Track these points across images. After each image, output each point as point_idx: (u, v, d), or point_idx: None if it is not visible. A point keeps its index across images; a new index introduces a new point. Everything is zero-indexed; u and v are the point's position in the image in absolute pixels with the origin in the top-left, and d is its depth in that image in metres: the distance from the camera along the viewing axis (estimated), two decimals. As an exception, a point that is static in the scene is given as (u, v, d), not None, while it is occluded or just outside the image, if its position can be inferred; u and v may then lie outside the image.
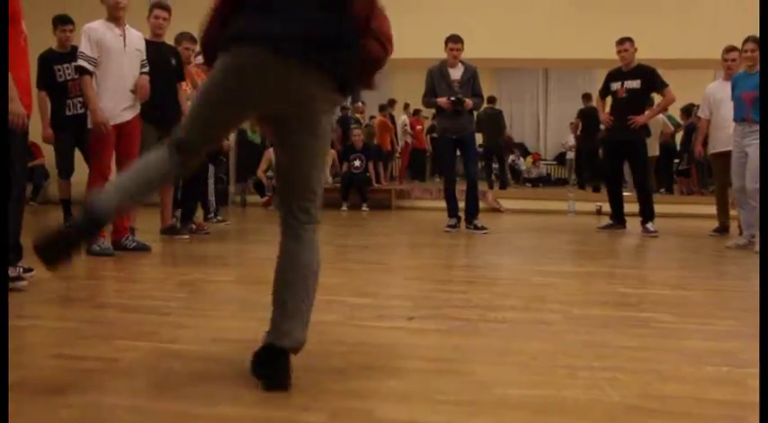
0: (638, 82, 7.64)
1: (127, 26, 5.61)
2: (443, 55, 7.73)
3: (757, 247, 6.04)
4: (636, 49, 7.70)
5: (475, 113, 7.92)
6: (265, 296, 3.79)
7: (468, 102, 7.38)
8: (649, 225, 7.67)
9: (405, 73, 19.35)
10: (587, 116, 11.77)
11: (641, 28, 9.84)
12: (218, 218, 8.11)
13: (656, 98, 8.17)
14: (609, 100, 7.97)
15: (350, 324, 3.33)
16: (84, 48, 5.38)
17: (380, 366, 2.69)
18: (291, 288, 2.50)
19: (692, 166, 12.63)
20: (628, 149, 7.76)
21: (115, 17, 5.48)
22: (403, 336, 3.14)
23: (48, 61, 6.50)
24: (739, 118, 6.51)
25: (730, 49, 7.41)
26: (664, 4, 10.14)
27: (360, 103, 15.00)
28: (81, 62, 5.39)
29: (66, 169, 6.73)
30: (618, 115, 7.70)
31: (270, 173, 10.59)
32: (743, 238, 6.59)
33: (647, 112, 7.89)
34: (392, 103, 14.83)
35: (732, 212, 7.54)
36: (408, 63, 11.41)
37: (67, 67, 6.46)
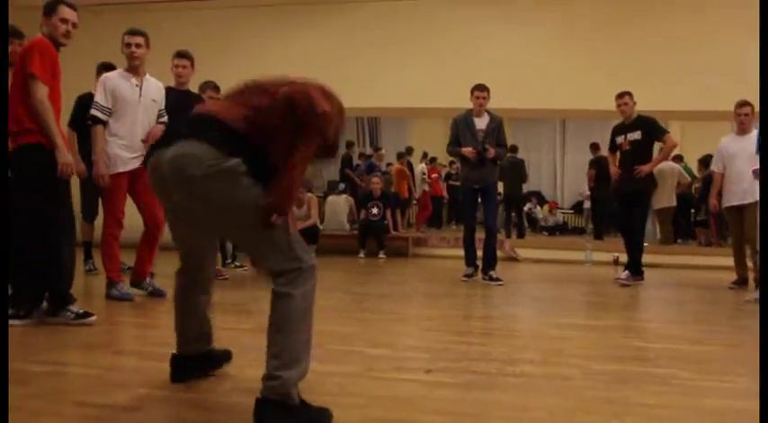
0: (639, 133, 7.73)
1: (146, 76, 5.73)
2: (462, 105, 7.82)
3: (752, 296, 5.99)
4: (635, 103, 7.81)
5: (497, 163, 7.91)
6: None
7: (491, 150, 7.38)
8: (625, 274, 7.76)
9: (423, 121, 19.54)
10: (600, 166, 11.82)
11: (657, 80, 9.96)
12: (237, 264, 8.18)
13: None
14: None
15: (367, 376, 3.34)
16: (98, 97, 5.51)
17: (398, 420, 2.69)
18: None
19: (710, 217, 12.60)
20: (634, 199, 7.78)
21: (132, 67, 5.62)
22: (421, 389, 3.14)
23: (85, 104, 6.55)
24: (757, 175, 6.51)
25: (743, 103, 7.49)
26: (679, 56, 10.20)
27: (382, 151, 15.16)
28: (93, 111, 5.51)
29: (90, 213, 6.86)
30: (624, 167, 7.79)
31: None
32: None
33: (651, 162, 7.88)
34: (410, 150, 14.98)
35: (750, 264, 7.52)
36: (427, 112, 11.58)
37: None
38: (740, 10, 9.81)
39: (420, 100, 11.00)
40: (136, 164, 5.59)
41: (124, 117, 5.54)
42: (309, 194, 10.75)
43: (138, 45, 5.60)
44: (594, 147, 12.38)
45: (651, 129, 7.75)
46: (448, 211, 17.01)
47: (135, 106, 5.59)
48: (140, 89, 5.63)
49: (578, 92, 10.37)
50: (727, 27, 10.06)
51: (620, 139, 7.88)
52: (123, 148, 5.54)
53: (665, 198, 11.89)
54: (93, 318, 4.50)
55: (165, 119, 5.82)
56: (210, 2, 11.39)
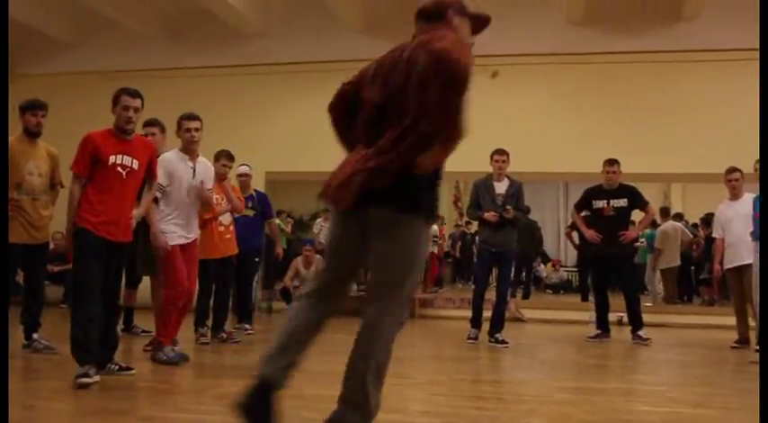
0: (625, 200, 8.14)
1: (199, 157, 6.03)
2: (466, 168, 7.97)
3: None
4: (621, 173, 8.22)
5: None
6: (303, 411, 3.98)
7: (510, 210, 7.50)
8: (642, 332, 8.00)
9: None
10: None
11: (659, 144, 10.23)
12: (247, 327, 8.22)
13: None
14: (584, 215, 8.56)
15: (383, 442, 3.46)
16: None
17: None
18: None
19: (712, 276, 12.73)
20: (618, 263, 8.15)
21: (189, 150, 5.95)
22: (434, 455, 3.28)
23: None
24: (758, 237, 6.68)
25: (732, 170, 7.81)
26: (681, 121, 10.48)
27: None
28: None
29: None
30: (607, 232, 8.09)
31: (296, 282, 10.81)
32: (764, 353, 6.67)
33: (633, 229, 8.41)
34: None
35: (753, 323, 7.64)
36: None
37: None
38: (739, 78, 10.14)
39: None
40: (187, 241, 5.86)
41: (179, 196, 5.82)
42: (318, 256, 10.94)
43: (196, 129, 5.96)
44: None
45: (636, 198, 8.22)
46: (452, 270, 17.17)
47: (189, 187, 5.87)
48: (194, 171, 5.92)
49: (581, 156, 10.60)
50: (726, 94, 10.35)
51: (601, 204, 8.20)
52: (177, 226, 5.80)
53: (670, 257, 12.08)
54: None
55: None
56: (223, 68, 11.74)
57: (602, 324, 8.26)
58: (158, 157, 6.13)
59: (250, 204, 8.03)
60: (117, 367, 5.09)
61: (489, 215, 7.54)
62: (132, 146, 5.06)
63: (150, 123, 6.51)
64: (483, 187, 7.74)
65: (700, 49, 10.52)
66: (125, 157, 4.97)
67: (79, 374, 4.61)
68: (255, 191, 8.37)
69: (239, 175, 8.12)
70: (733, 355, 7.27)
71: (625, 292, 8.27)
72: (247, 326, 8.12)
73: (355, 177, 2.91)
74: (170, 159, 5.85)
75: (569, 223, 12.78)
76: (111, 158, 4.91)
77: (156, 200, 5.69)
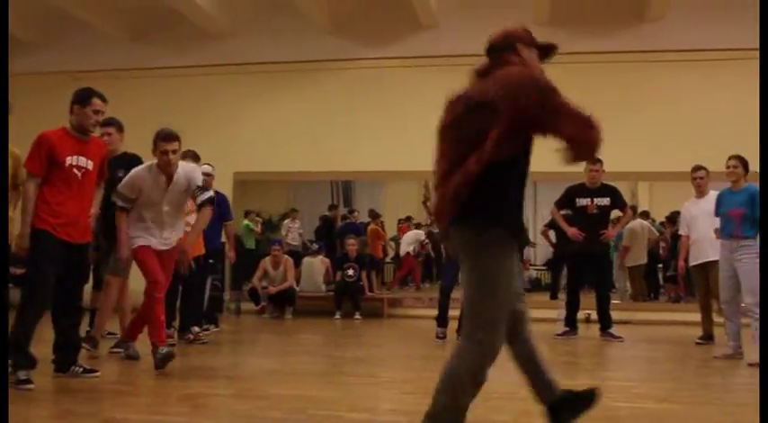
0: (608, 200, 8.26)
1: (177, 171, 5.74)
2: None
3: (750, 359, 6.16)
4: (604, 171, 8.29)
5: None
6: (267, 411, 3.97)
7: None
8: (613, 330, 8.16)
9: (396, 184, 19.80)
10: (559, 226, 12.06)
11: (627, 143, 10.30)
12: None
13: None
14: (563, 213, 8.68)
15: (349, 441, 3.47)
16: (123, 188, 5.65)
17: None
18: None
19: (677, 273, 12.88)
20: (597, 261, 8.28)
21: (164, 171, 5.65)
22: (400, 453, 3.28)
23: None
24: (727, 234, 6.71)
25: (698, 168, 7.90)
26: (648, 121, 10.57)
27: (357, 213, 15.39)
28: (115, 198, 5.70)
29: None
30: (589, 230, 8.18)
31: (264, 282, 10.77)
32: (729, 349, 6.75)
33: (612, 228, 8.52)
34: (376, 215, 15.21)
35: (719, 320, 7.71)
36: (401, 175, 11.88)
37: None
38: (703, 77, 10.28)
39: (393, 164, 11.27)
40: (163, 248, 5.75)
41: (151, 208, 5.68)
42: (286, 257, 10.91)
43: (173, 151, 5.60)
44: None
45: (618, 197, 8.36)
46: (422, 270, 17.19)
47: (161, 201, 5.66)
48: (168, 186, 5.65)
49: (549, 156, 10.63)
50: (693, 89, 10.49)
51: (584, 202, 8.27)
52: (150, 234, 5.70)
53: (637, 255, 12.23)
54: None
55: (206, 196, 5.91)
56: (191, 68, 11.66)
57: (571, 322, 8.36)
58: (113, 156, 6.09)
59: None
60: (81, 370, 5.05)
61: None
62: (88, 147, 5.02)
63: (107, 123, 6.34)
64: None
65: (664, 49, 10.63)
66: (80, 158, 4.92)
67: (21, 380, 4.56)
68: (216, 192, 8.25)
69: (202, 175, 7.97)
70: (698, 351, 7.35)
71: (598, 290, 8.38)
72: (210, 327, 8.05)
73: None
74: (141, 176, 5.58)
75: (547, 222, 12.89)
76: (68, 160, 4.86)
77: (126, 209, 5.62)
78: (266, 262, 10.80)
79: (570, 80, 10.90)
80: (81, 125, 4.96)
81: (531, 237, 20.51)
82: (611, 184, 8.47)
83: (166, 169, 5.58)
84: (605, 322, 8.21)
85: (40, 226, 4.78)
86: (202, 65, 11.65)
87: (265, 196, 13.97)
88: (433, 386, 5.23)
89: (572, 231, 8.33)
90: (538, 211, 20.01)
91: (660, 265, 13.34)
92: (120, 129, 6.54)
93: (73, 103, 4.98)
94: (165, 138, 5.50)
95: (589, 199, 8.25)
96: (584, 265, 8.36)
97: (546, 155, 10.24)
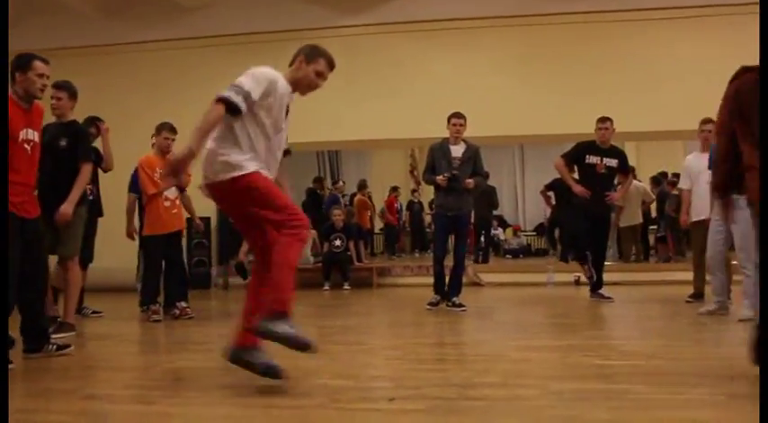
0: (616, 161, 8.05)
1: None
2: (421, 135, 7.91)
3: (742, 313, 6.10)
4: (614, 130, 8.06)
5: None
6: (250, 381, 3.90)
7: (470, 181, 7.36)
8: (604, 290, 8.06)
9: (382, 153, 19.72)
10: (559, 188, 12.01)
11: (613, 103, 10.19)
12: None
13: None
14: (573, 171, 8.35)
15: (331, 407, 3.39)
16: None
17: (362, 449, 2.76)
18: None
19: (667, 233, 12.89)
20: (601, 222, 8.12)
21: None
22: (383, 417, 3.22)
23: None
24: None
25: (707, 120, 7.56)
26: (633, 80, 10.45)
27: (341, 183, 15.33)
28: None
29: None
30: (596, 190, 7.93)
31: (251, 256, 10.65)
32: (713, 305, 6.72)
33: (619, 190, 8.51)
34: (363, 184, 15.16)
35: (708, 278, 7.66)
36: (386, 144, 11.76)
37: None
38: (690, 30, 10.17)
39: (379, 132, 11.16)
40: None
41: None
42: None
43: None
44: None
45: (625, 161, 8.20)
46: (411, 240, 17.19)
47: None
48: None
49: (535, 118, 10.59)
50: (679, 46, 10.37)
51: (594, 160, 8.01)
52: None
53: (631, 216, 12.21)
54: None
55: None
56: (167, 42, 11.46)
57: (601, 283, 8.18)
58: (58, 122, 6.06)
59: None
60: (54, 347, 4.94)
61: (439, 179, 7.39)
62: (32, 117, 4.80)
63: (59, 87, 6.08)
64: (439, 151, 7.57)
65: (648, 7, 10.50)
66: (29, 130, 4.71)
67: None
68: None
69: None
70: (687, 309, 7.30)
71: (596, 251, 8.18)
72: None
73: None
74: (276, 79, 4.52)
75: (547, 183, 12.79)
76: (21, 134, 4.63)
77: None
78: (253, 235, 10.68)
79: (557, 41, 10.85)
80: (27, 92, 4.69)
81: (518, 201, 20.59)
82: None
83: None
84: (597, 283, 8.10)
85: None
86: (178, 38, 11.44)
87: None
88: (421, 352, 5.20)
89: (578, 188, 8.02)
90: (526, 175, 20.03)
91: (656, 226, 13.34)
92: (72, 95, 6.18)
93: (13, 70, 4.70)
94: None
95: (599, 158, 8.01)
96: (594, 225, 8.08)
97: (532, 118, 10.13)
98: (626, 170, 8.31)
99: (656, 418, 3.11)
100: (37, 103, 4.88)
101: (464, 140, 7.60)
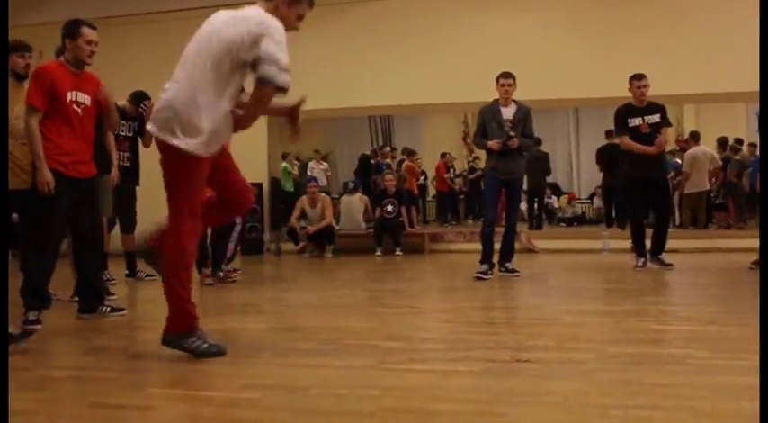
0: (658, 116, 7.70)
1: None
2: (473, 99, 7.71)
3: None
4: (649, 85, 7.75)
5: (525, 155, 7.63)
6: (299, 343, 3.88)
7: (515, 140, 7.06)
8: (664, 256, 7.75)
9: (435, 118, 19.51)
10: (608, 155, 11.75)
11: (669, 64, 9.89)
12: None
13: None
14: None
15: (381, 368, 3.34)
16: None
17: (413, 409, 2.70)
18: None
19: (728, 200, 12.55)
20: (656, 185, 7.75)
21: None
22: (435, 378, 3.15)
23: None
24: None
25: None
26: (690, 40, 10.13)
27: (388, 149, 15.23)
28: None
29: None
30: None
31: (303, 222, 10.69)
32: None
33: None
34: (412, 152, 15.01)
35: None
36: (438, 108, 11.62)
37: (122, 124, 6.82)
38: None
39: (430, 96, 11.01)
40: None
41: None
42: (323, 195, 10.80)
43: None
44: (610, 134, 12.12)
45: (665, 114, 7.79)
46: (465, 206, 17.04)
47: None
48: None
49: (590, 80, 10.34)
50: (738, 4, 9.97)
51: (637, 121, 7.71)
52: None
53: (699, 182, 11.93)
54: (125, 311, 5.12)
55: None
56: (211, 9, 11.40)
57: (642, 249, 7.84)
58: None
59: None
60: (108, 309, 5.03)
61: (493, 143, 7.13)
62: (83, 81, 4.85)
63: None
64: (489, 113, 7.30)
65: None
66: (78, 93, 4.77)
67: (30, 320, 4.47)
68: None
69: None
70: (749, 276, 7.07)
71: (659, 215, 7.97)
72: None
73: None
74: None
75: (596, 158, 12.54)
76: (68, 95, 4.70)
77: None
78: (303, 201, 10.68)
79: (619, 1, 10.46)
80: (76, 58, 4.78)
81: (572, 167, 20.16)
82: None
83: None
84: (658, 247, 7.76)
85: (52, 165, 4.61)
86: (234, 4, 11.38)
87: (303, 138, 13.77)
88: (473, 315, 5.12)
89: (646, 148, 7.59)
90: (581, 141, 19.61)
91: (714, 195, 12.98)
92: None
93: (63, 37, 4.80)
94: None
95: (640, 118, 7.69)
96: (646, 189, 7.75)
97: (586, 79, 9.83)
98: (667, 124, 7.90)
99: (716, 383, 2.99)
100: (89, 73, 4.94)
101: (515, 101, 7.32)
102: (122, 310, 5.11)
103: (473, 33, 10.74)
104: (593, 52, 10.43)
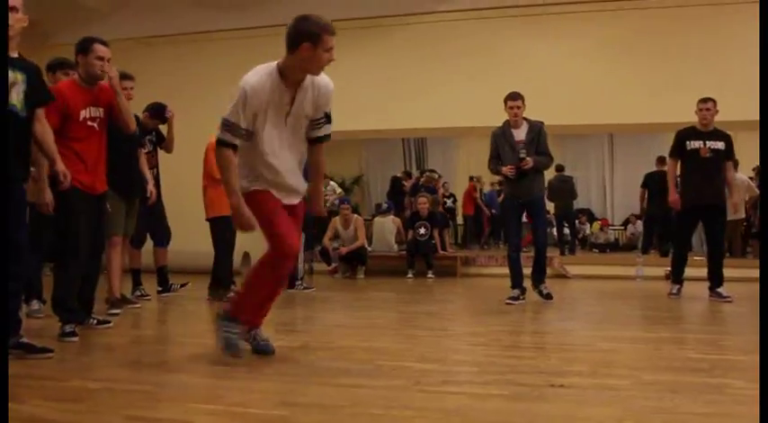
0: (723, 144, 7.41)
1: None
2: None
3: None
4: (717, 112, 7.51)
5: (545, 176, 7.50)
6: (333, 362, 3.89)
7: (528, 160, 6.84)
8: (722, 289, 7.39)
9: (469, 141, 19.50)
10: (653, 182, 11.64)
11: (705, 91, 9.79)
12: (304, 285, 8.48)
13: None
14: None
15: (415, 389, 3.33)
16: None
17: (446, 431, 2.69)
18: None
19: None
20: (712, 212, 7.47)
21: None
22: (468, 400, 3.14)
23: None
24: None
25: None
26: (727, 68, 10.05)
27: (436, 175, 15.14)
28: None
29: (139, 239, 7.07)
30: (702, 176, 7.40)
31: (335, 243, 10.72)
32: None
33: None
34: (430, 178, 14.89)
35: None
36: (473, 131, 11.60)
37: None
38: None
39: (466, 119, 11.00)
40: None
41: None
42: (356, 216, 10.83)
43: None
44: (661, 161, 11.85)
45: (731, 145, 7.52)
46: (491, 229, 16.98)
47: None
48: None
49: (624, 105, 10.28)
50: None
51: (696, 144, 7.43)
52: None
53: (736, 210, 11.76)
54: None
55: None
56: (254, 30, 11.56)
57: (680, 277, 7.66)
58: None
59: None
60: (95, 321, 5.17)
61: (506, 169, 6.95)
62: (96, 94, 5.03)
63: (129, 77, 6.43)
64: (501, 137, 7.11)
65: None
66: (91, 108, 4.96)
67: (66, 332, 4.67)
68: None
69: None
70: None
71: (713, 245, 7.61)
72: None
73: None
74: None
75: (642, 182, 12.39)
76: (82, 113, 4.89)
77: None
78: (336, 222, 10.72)
79: (646, 24, 10.45)
80: (88, 74, 4.97)
81: (606, 193, 20.01)
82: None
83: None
84: (716, 280, 7.45)
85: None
86: (266, 26, 11.49)
87: (337, 159, 13.82)
88: (506, 339, 5.09)
89: (672, 197, 7.57)
90: (615, 167, 19.49)
91: (746, 225, 12.78)
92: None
93: (76, 53, 4.99)
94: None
95: (701, 141, 7.40)
96: (698, 217, 7.55)
97: (622, 105, 9.73)
98: (731, 156, 7.56)
99: (753, 414, 2.91)
100: (103, 85, 5.10)
101: (526, 119, 7.10)
102: (108, 322, 5.21)
103: (510, 57, 10.75)
104: (629, 79, 10.39)
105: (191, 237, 8.14)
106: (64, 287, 4.79)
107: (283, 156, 3.97)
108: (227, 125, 3.82)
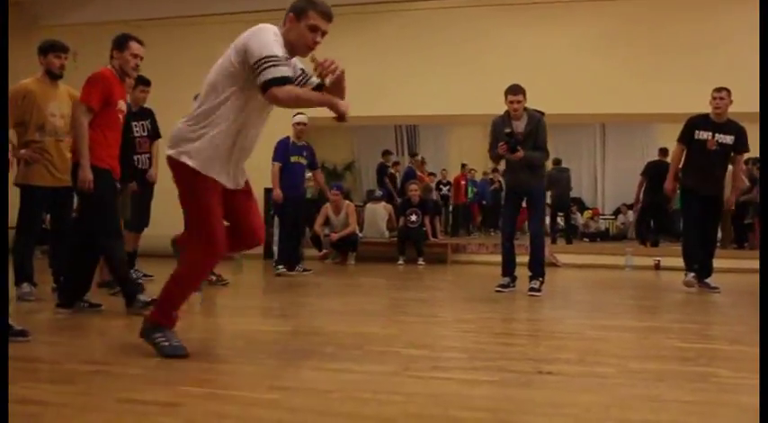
0: (732, 138, 7.26)
1: None
2: (500, 111, 7.58)
3: None
4: (731, 102, 7.31)
5: (546, 170, 7.47)
6: (322, 347, 3.92)
7: (519, 153, 6.74)
8: (710, 280, 7.42)
9: (461, 129, 19.49)
10: (654, 172, 11.64)
11: (695, 83, 9.83)
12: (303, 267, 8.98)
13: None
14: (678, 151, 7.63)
15: (404, 375, 3.36)
16: None
17: (435, 416, 2.72)
18: None
19: (755, 221, 12.43)
20: (712, 204, 7.40)
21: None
22: (457, 386, 3.17)
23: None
24: None
25: None
26: (720, 55, 10.08)
27: (419, 157, 15.21)
28: None
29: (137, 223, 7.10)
30: (706, 168, 7.29)
31: (327, 229, 10.74)
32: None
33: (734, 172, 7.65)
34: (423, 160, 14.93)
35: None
36: (465, 119, 11.62)
37: (136, 125, 6.83)
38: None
39: (458, 107, 11.03)
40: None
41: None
42: (347, 202, 10.84)
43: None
44: (663, 152, 11.75)
45: (743, 139, 7.31)
46: (482, 217, 17.03)
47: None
48: None
49: (617, 95, 10.33)
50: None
51: (704, 135, 7.28)
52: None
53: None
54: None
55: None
56: (250, 14, 11.49)
57: (692, 263, 7.46)
58: (146, 108, 6.99)
59: (304, 153, 8.69)
60: (86, 305, 5.22)
61: (500, 147, 6.81)
62: (123, 90, 5.31)
63: (148, 83, 6.86)
64: (501, 126, 7.05)
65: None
66: (121, 102, 5.18)
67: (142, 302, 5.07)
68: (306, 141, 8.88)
69: (296, 124, 8.55)
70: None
71: (706, 237, 7.50)
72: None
73: None
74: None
75: (642, 170, 12.37)
76: (119, 103, 5.12)
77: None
78: (327, 208, 10.73)
79: (640, 15, 10.48)
80: (122, 69, 5.14)
81: (597, 182, 20.08)
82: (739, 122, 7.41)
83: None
84: (705, 271, 7.42)
85: (103, 166, 4.99)
86: (260, 10, 11.44)
87: (329, 145, 13.83)
88: (495, 326, 5.13)
89: (668, 186, 7.55)
90: (606, 157, 19.54)
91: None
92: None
93: (112, 48, 5.16)
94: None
95: (710, 133, 7.26)
96: (702, 207, 7.37)
97: (614, 94, 9.77)
98: (743, 150, 7.37)
99: (742, 403, 2.99)
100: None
101: (526, 110, 7.01)
102: (100, 305, 5.27)
103: (502, 46, 10.78)
104: (621, 69, 10.43)
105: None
106: (119, 268, 5.15)
107: (252, 135, 3.68)
108: (276, 59, 3.39)
